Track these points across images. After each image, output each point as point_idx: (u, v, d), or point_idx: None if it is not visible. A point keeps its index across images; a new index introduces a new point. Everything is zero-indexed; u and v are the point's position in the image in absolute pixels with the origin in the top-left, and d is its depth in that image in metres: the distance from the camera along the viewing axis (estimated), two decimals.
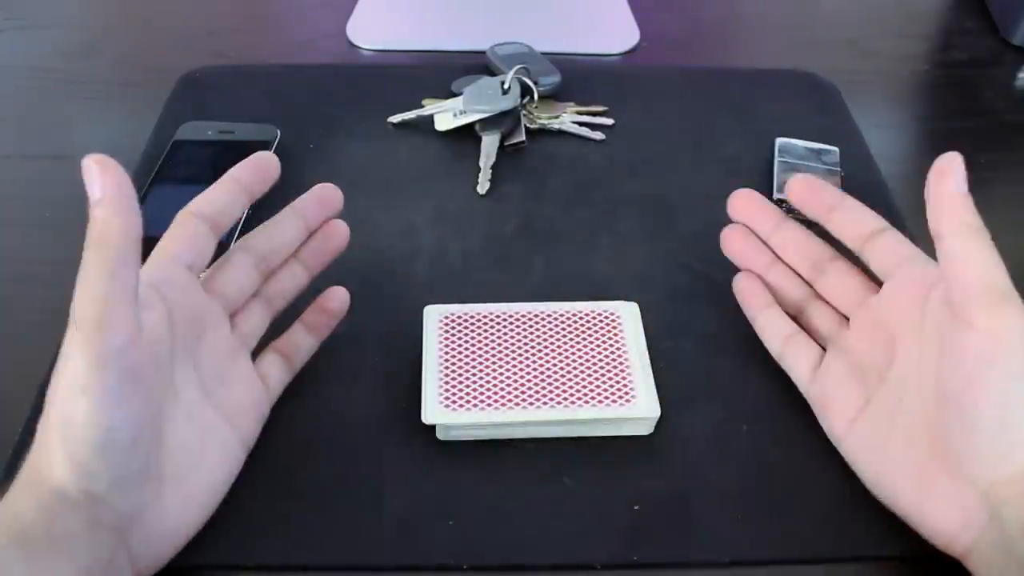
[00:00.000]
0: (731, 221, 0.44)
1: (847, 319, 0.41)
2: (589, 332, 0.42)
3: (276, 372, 0.40)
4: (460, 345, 0.41)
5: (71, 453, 0.30)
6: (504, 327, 0.42)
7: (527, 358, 0.41)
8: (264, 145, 0.54)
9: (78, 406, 0.29)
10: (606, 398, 0.39)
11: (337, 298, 0.42)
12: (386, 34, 0.69)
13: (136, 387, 0.30)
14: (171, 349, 0.34)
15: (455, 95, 0.58)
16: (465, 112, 0.56)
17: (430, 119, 0.58)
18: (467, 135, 0.57)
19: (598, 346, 0.42)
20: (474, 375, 0.40)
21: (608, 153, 0.57)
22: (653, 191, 0.54)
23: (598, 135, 0.58)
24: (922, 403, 0.35)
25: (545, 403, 0.39)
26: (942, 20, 0.75)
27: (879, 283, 0.39)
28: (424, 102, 0.59)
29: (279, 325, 0.41)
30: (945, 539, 0.34)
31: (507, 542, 0.36)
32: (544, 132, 0.58)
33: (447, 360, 0.41)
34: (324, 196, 0.41)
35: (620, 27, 0.71)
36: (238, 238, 0.42)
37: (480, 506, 0.37)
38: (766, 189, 0.54)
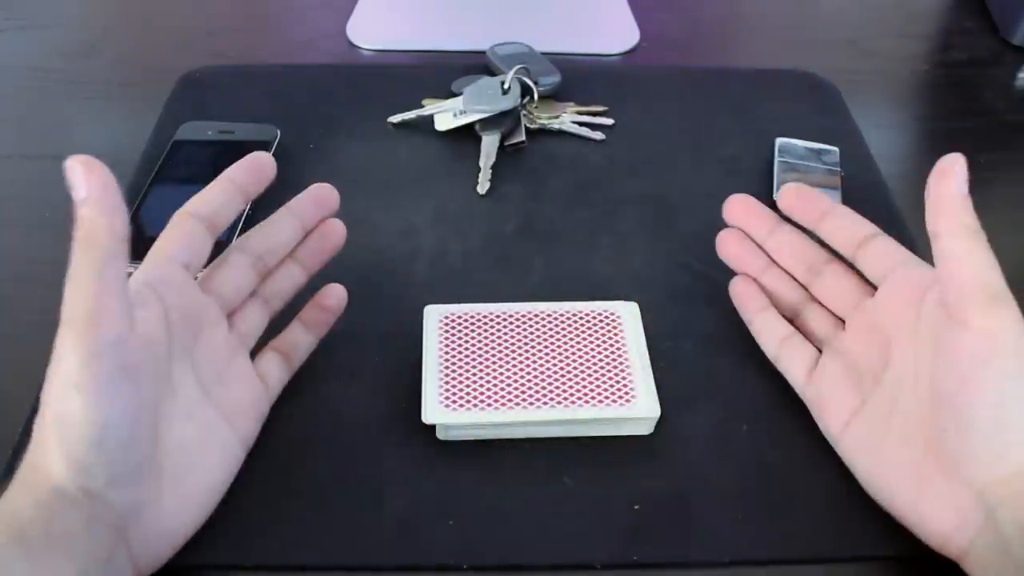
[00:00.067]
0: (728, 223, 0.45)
1: (842, 322, 0.41)
2: (589, 332, 0.42)
3: (275, 371, 0.40)
4: (460, 345, 0.41)
5: (67, 450, 0.30)
6: (504, 327, 0.42)
7: (527, 358, 0.41)
8: (264, 145, 0.54)
9: (72, 403, 0.29)
10: (606, 398, 0.39)
11: (335, 295, 0.42)
12: (386, 34, 0.69)
13: (130, 383, 0.30)
14: (168, 348, 0.34)
15: (455, 95, 0.58)
16: (465, 112, 0.56)
17: (430, 119, 0.58)
18: (467, 135, 0.57)
19: (598, 346, 0.42)
20: (474, 375, 0.40)
21: (608, 153, 0.57)
22: (653, 191, 0.54)
23: (598, 135, 0.58)
24: (917, 404, 0.35)
25: (545, 403, 0.39)
26: (942, 20, 0.75)
27: (874, 286, 0.39)
28: (424, 102, 0.59)
29: (277, 324, 0.41)
30: (941, 540, 0.34)
31: (507, 542, 0.36)
32: (544, 132, 0.58)
33: (447, 360, 0.41)
34: (320, 196, 0.41)
35: (620, 27, 0.71)
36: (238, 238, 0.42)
37: (480, 506, 0.37)
38: (766, 189, 0.54)
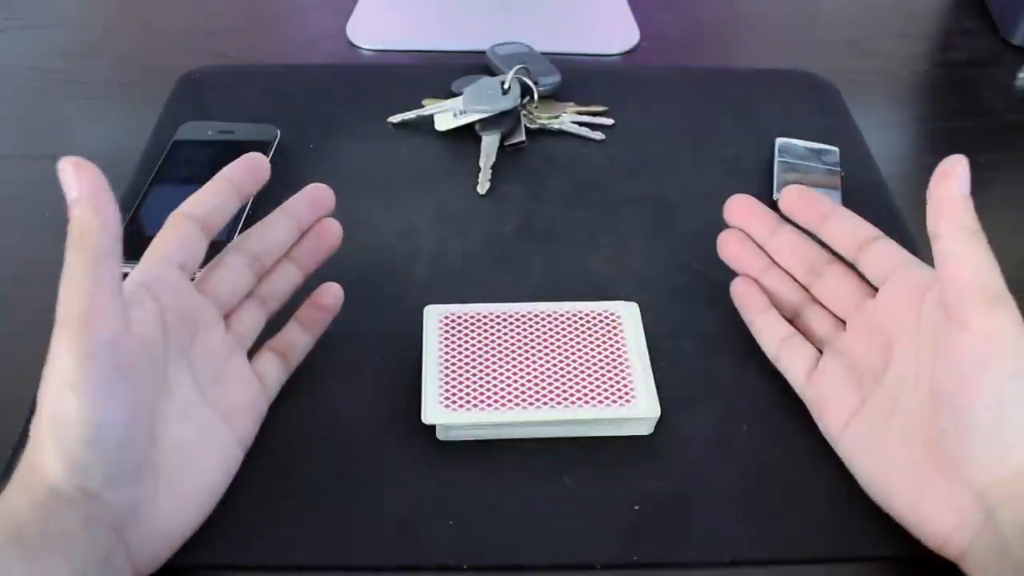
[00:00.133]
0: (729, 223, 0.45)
1: (843, 322, 0.41)
2: (589, 332, 0.42)
3: (273, 371, 0.40)
4: (460, 345, 0.41)
5: (63, 450, 0.30)
6: (504, 327, 0.42)
7: (527, 358, 0.41)
8: (264, 145, 0.54)
9: (68, 403, 0.29)
10: (606, 398, 0.39)
11: (331, 294, 0.42)
12: (386, 34, 0.69)
13: (125, 382, 0.30)
14: (164, 348, 0.34)
15: (455, 95, 0.58)
16: (465, 112, 0.56)
17: (430, 119, 0.58)
18: (467, 135, 0.57)
19: (598, 346, 0.42)
20: (474, 375, 0.40)
21: (608, 153, 0.57)
22: (653, 191, 0.54)
23: (598, 135, 0.58)
24: (917, 405, 0.35)
25: (545, 403, 0.39)
26: (942, 20, 0.75)
27: (875, 288, 0.39)
28: (424, 102, 0.59)
29: (274, 324, 0.41)
30: (940, 541, 0.34)
31: (507, 542, 0.36)
32: (544, 132, 0.58)
33: (447, 360, 0.41)
34: (316, 196, 0.41)
35: (620, 27, 0.71)
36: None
37: (480, 506, 0.37)
38: (766, 189, 0.54)
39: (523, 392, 0.39)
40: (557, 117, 0.59)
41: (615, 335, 0.42)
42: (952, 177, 0.34)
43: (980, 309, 0.32)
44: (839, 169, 0.55)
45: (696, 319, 0.46)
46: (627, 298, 0.44)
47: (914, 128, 0.63)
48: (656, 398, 0.39)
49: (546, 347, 0.42)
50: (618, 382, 0.40)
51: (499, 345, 0.42)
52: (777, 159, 0.55)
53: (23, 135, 0.59)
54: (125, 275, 0.32)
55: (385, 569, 0.36)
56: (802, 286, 0.43)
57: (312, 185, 0.41)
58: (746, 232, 0.44)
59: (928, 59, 0.70)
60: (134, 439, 0.31)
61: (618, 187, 0.54)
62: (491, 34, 0.66)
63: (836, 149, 0.56)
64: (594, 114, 0.59)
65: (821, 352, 0.41)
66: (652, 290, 0.47)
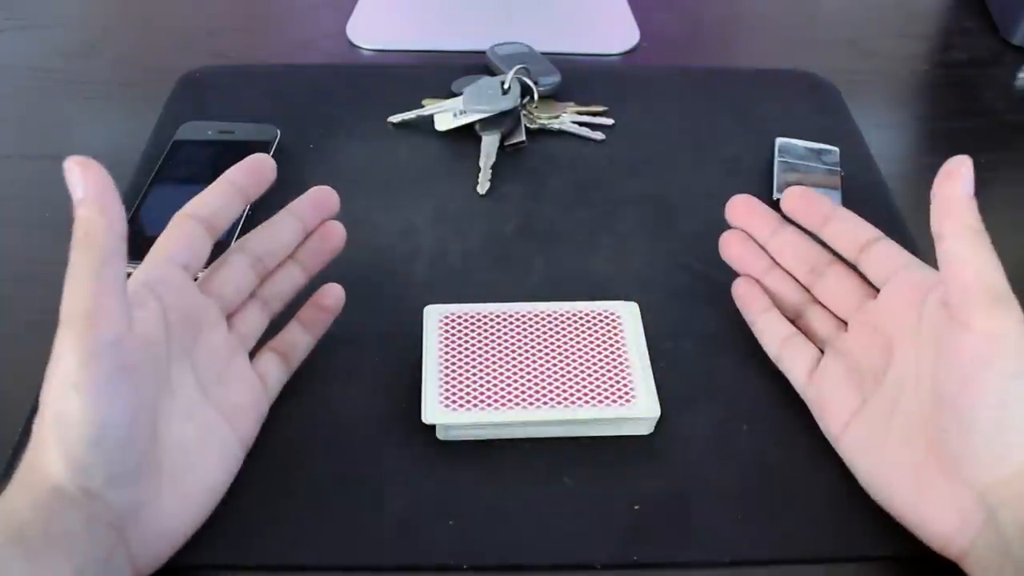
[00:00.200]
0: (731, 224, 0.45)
1: (844, 323, 0.41)
2: (589, 332, 0.42)
3: (274, 371, 0.40)
4: (460, 345, 0.41)
5: (66, 450, 0.30)
6: (504, 327, 0.42)
7: (527, 358, 0.41)
8: (264, 145, 0.54)
9: (71, 403, 0.29)
10: (606, 398, 0.39)
11: (332, 295, 0.42)
12: (386, 34, 0.69)
13: (128, 383, 0.30)
14: (167, 348, 0.34)
15: (455, 95, 0.58)
16: (465, 112, 0.56)
17: (430, 119, 0.58)
18: (467, 135, 0.57)
19: (598, 346, 0.42)
20: (474, 375, 0.40)
21: (608, 153, 0.57)
22: (653, 191, 0.54)
23: (598, 135, 0.58)
24: (918, 405, 0.35)
25: (545, 403, 0.39)
26: (942, 20, 0.75)
27: (876, 288, 0.39)
28: (424, 102, 0.59)
29: (276, 324, 0.41)
30: (941, 541, 0.34)
31: (507, 542, 0.36)
32: (544, 132, 0.58)
33: (447, 360, 0.41)
34: (320, 198, 0.41)
35: (620, 27, 0.71)
36: (238, 239, 0.42)
37: (480, 506, 0.37)
38: (766, 189, 0.54)
39: (523, 392, 0.39)
40: (557, 117, 0.59)
41: (615, 335, 0.42)
42: (956, 177, 0.34)
43: (983, 309, 0.32)
44: (839, 169, 0.55)
45: (696, 319, 0.46)
46: (627, 298, 0.44)
47: (914, 128, 0.63)
48: (656, 398, 0.39)
49: (546, 347, 0.42)
50: (618, 382, 0.40)
51: (499, 345, 0.42)
52: (777, 159, 0.55)
53: (23, 135, 0.59)
54: (128, 275, 0.32)
55: (385, 569, 0.36)
56: (803, 287, 0.43)
57: (316, 187, 0.41)
58: (747, 232, 0.44)
59: (928, 59, 0.70)
60: (136, 439, 0.31)
61: (618, 187, 0.54)
62: (491, 34, 0.66)
63: (836, 149, 0.56)
64: (594, 114, 0.59)
65: (822, 352, 0.41)
66: (652, 290, 0.47)
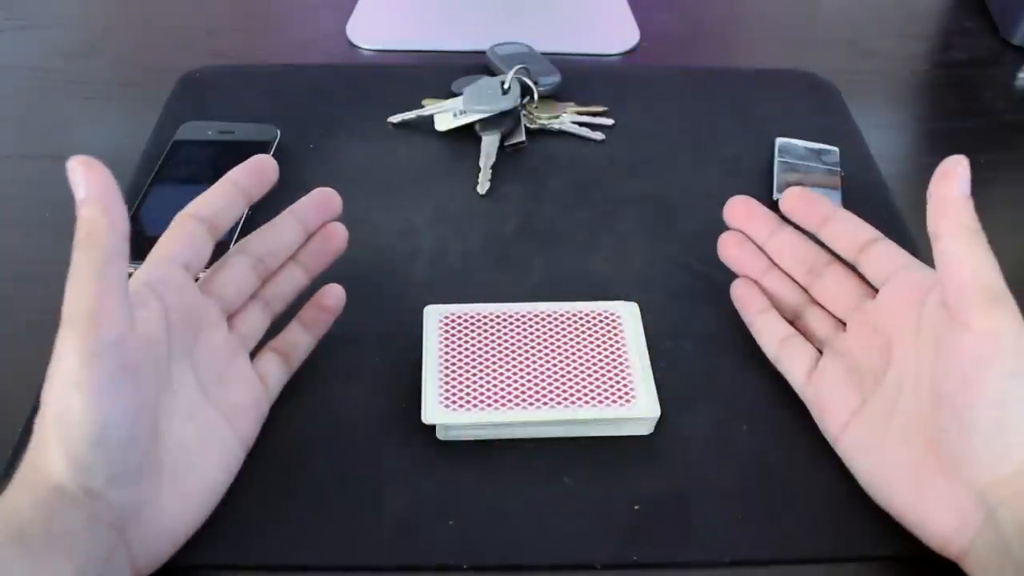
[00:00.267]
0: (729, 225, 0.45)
1: (843, 323, 0.41)
2: (589, 332, 0.42)
3: (275, 371, 0.40)
4: (460, 345, 0.41)
5: (67, 449, 0.30)
6: (504, 327, 0.42)
7: (527, 358, 0.41)
8: (264, 145, 0.54)
9: (73, 402, 0.29)
10: (606, 398, 0.39)
11: (333, 295, 0.42)
12: (386, 34, 0.69)
13: (130, 382, 0.31)
14: (168, 348, 0.34)
15: (455, 95, 0.58)
16: (465, 112, 0.56)
17: (430, 119, 0.58)
18: (467, 135, 0.57)
19: (598, 346, 0.42)
20: (474, 375, 0.40)
21: (608, 153, 0.57)
22: (653, 191, 0.54)
23: (598, 135, 0.58)
24: (917, 405, 0.35)
25: (545, 403, 0.39)
26: (942, 20, 0.75)
27: (875, 289, 0.39)
28: (424, 102, 0.59)
29: (276, 325, 0.41)
30: (941, 541, 0.34)
31: (507, 542, 0.36)
32: (544, 132, 0.58)
33: (447, 360, 0.41)
34: (323, 200, 0.41)
35: (620, 27, 0.71)
36: (238, 240, 0.42)
37: (480, 506, 0.37)
38: (766, 189, 0.54)
39: (523, 392, 0.39)
40: (557, 117, 0.59)
41: (615, 335, 0.42)
42: (952, 177, 0.34)
43: (980, 309, 0.32)
44: (839, 169, 0.55)
45: (696, 319, 0.46)
46: (627, 298, 0.44)
47: (914, 128, 0.63)
48: (656, 398, 0.39)
49: (546, 347, 0.42)
50: (618, 382, 0.40)
51: (499, 345, 0.42)
52: (777, 159, 0.55)
53: (23, 135, 0.59)
54: (129, 275, 0.32)
55: (385, 569, 0.36)
56: (802, 287, 0.43)
57: (319, 189, 0.41)
58: (746, 233, 0.44)
59: (928, 59, 0.70)
60: (138, 438, 0.31)
61: (618, 187, 0.54)
62: (491, 34, 0.66)
63: (836, 149, 0.56)
64: (594, 114, 0.59)
65: (821, 353, 0.41)
66: (652, 290, 0.47)
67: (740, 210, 0.44)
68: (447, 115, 0.57)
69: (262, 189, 0.39)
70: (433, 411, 0.39)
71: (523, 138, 0.56)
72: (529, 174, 0.55)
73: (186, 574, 0.35)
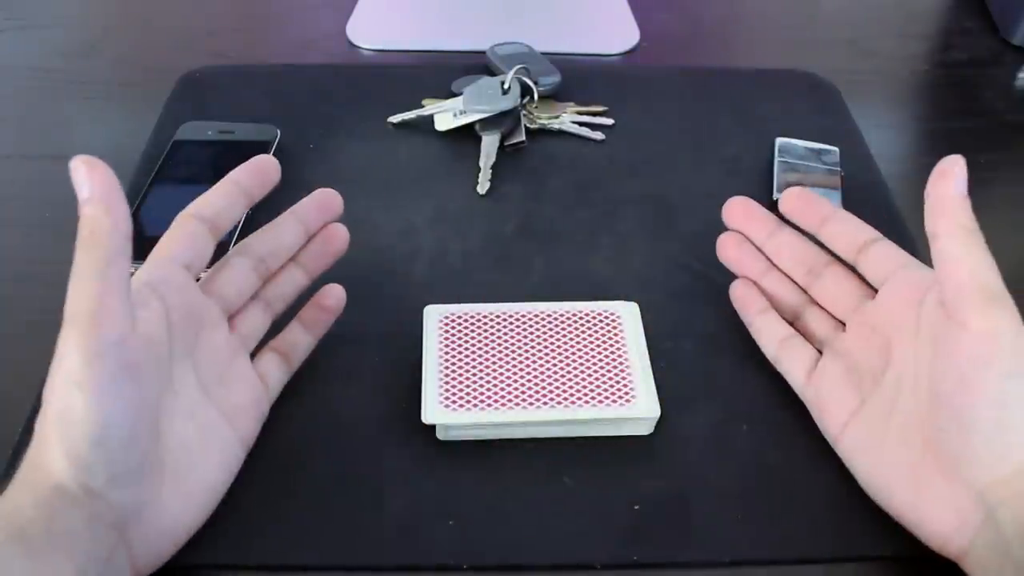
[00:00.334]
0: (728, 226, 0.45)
1: (842, 324, 0.41)
2: (589, 332, 0.42)
3: (275, 371, 0.40)
4: (460, 345, 0.41)
5: (68, 448, 0.30)
6: (504, 327, 0.42)
7: (527, 358, 0.41)
8: (264, 145, 0.54)
9: (74, 401, 0.29)
10: (606, 398, 0.39)
11: (334, 295, 0.42)
12: (386, 34, 0.69)
13: (131, 382, 0.31)
14: (169, 347, 0.34)
15: (455, 95, 0.58)
16: (465, 112, 0.56)
17: (430, 119, 0.58)
18: (467, 135, 0.57)
19: (598, 346, 0.42)
20: (474, 375, 0.40)
21: (608, 153, 0.57)
22: (653, 191, 0.54)
23: (598, 135, 0.58)
24: (917, 405, 0.35)
25: (545, 403, 0.39)
26: (942, 20, 0.75)
27: (874, 289, 0.39)
28: (424, 102, 0.59)
29: (277, 325, 0.41)
30: (941, 540, 0.34)
31: (507, 542, 0.36)
32: (544, 132, 0.58)
33: (447, 360, 0.41)
34: (324, 201, 0.41)
35: (620, 27, 0.71)
36: (237, 240, 0.42)
37: (480, 506, 0.37)
38: (766, 189, 0.54)
39: (523, 392, 0.39)
40: (557, 117, 0.59)
41: (615, 335, 0.42)
42: (949, 177, 0.34)
43: (978, 309, 0.32)
44: (839, 169, 0.55)
45: (696, 319, 0.46)
46: (627, 298, 0.44)
47: (914, 128, 0.63)
48: (656, 398, 0.39)
49: (546, 347, 0.42)
50: (618, 382, 0.40)
51: (499, 345, 0.42)
52: (777, 159, 0.55)
53: (23, 135, 0.59)
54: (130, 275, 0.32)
55: (385, 569, 0.36)
56: (801, 288, 0.43)
57: (320, 190, 0.41)
58: (745, 234, 0.44)
59: (928, 59, 0.70)
60: (139, 438, 0.32)
61: (618, 187, 0.54)
62: (491, 34, 0.66)
63: (836, 149, 0.56)
64: (594, 114, 0.59)
65: (820, 353, 0.41)
66: (652, 290, 0.47)
67: (739, 211, 0.44)
68: (447, 115, 0.57)
69: (264, 190, 0.39)
70: (433, 411, 0.39)
71: (523, 138, 0.56)
72: (529, 174, 0.55)
73: (186, 574, 0.35)
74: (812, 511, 0.37)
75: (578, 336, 0.42)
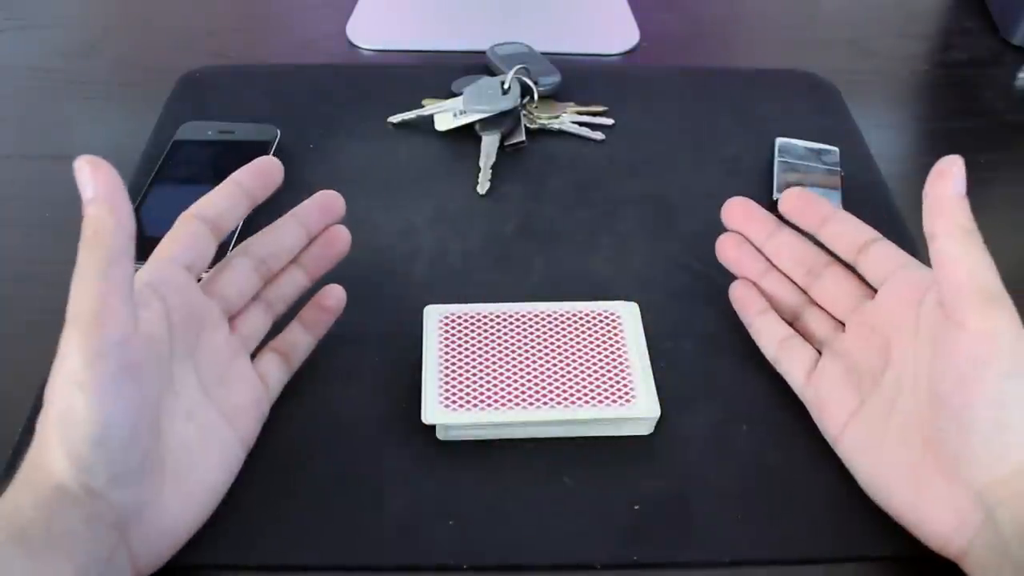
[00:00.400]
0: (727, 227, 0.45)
1: (842, 324, 0.41)
2: (589, 332, 0.42)
3: (275, 371, 0.40)
4: (460, 345, 0.41)
5: (69, 448, 0.30)
6: (504, 327, 0.42)
7: (527, 358, 0.41)
8: (264, 145, 0.54)
9: (76, 401, 0.29)
10: (606, 398, 0.39)
11: (334, 296, 0.42)
12: (386, 34, 0.69)
13: (133, 382, 0.31)
14: (170, 348, 0.34)
15: (455, 95, 0.58)
16: (465, 112, 0.56)
17: (430, 119, 0.58)
18: (467, 135, 0.57)
19: (598, 346, 0.42)
20: (474, 375, 0.40)
21: (608, 153, 0.57)
22: (653, 191, 0.54)
23: (598, 135, 0.58)
24: (916, 405, 0.35)
25: (545, 403, 0.39)
26: (942, 20, 0.75)
27: (874, 289, 0.39)
28: (424, 102, 0.59)
29: (277, 325, 0.41)
30: (940, 541, 0.34)
31: (507, 542, 0.36)
32: (544, 132, 0.58)
33: (447, 360, 0.41)
34: (326, 203, 0.41)
35: (620, 27, 0.71)
36: (238, 241, 0.42)
37: (480, 506, 0.37)
38: (766, 189, 0.54)
39: (523, 392, 0.39)
40: (557, 117, 0.59)
41: (615, 335, 0.42)
42: (948, 177, 0.34)
43: (976, 309, 0.32)
44: (839, 169, 0.55)
45: (696, 319, 0.46)
46: (627, 298, 0.44)
47: (914, 128, 0.63)
48: (656, 398, 0.39)
49: (546, 347, 0.42)
50: (618, 382, 0.40)
51: (499, 345, 0.42)
52: (777, 159, 0.55)
53: (23, 135, 0.59)
54: None
55: (385, 569, 0.36)
56: (801, 288, 0.43)
57: (322, 192, 0.41)
58: (744, 235, 0.44)
59: (928, 59, 0.70)
60: (140, 438, 0.32)
61: (618, 187, 0.54)
62: (491, 34, 0.66)
63: (836, 149, 0.56)
64: (594, 114, 0.59)
65: (820, 353, 0.41)
66: (652, 290, 0.47)
67: (738, 212, 0.44)
68: (447, 115, 0.57)
69: (266, 191, 0.39)
70: (433, 411, 0.39)
71: (523, 138, 0.56)
72: (529, 174, 0.55)
73: (187, 574, 0.35)
74: (812, 511, 0.37)
75: (578, 336, 0.42)
